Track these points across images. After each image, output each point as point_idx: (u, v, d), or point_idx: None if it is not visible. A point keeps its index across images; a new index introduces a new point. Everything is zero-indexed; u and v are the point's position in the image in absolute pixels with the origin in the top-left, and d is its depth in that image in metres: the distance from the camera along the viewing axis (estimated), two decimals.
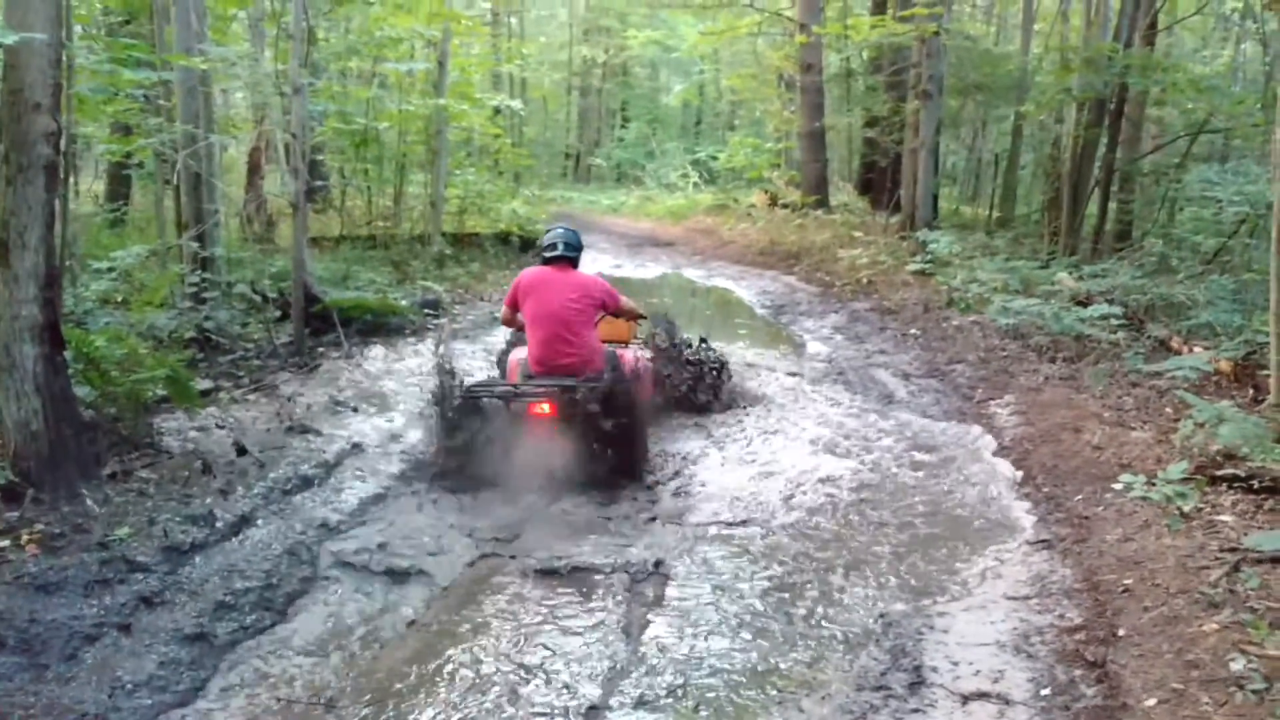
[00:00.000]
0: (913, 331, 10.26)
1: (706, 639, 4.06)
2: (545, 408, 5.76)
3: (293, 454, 6.11)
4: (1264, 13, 14.24)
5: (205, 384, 7.09)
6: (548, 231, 6.63)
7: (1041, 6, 17.52)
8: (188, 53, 7.95)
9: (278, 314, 8.94)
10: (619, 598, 4.43)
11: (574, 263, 6.38)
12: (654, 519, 5.43)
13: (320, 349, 8.51)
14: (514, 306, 6.32)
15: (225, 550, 4.77)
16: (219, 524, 4.99)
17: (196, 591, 4.33)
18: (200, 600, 4.25)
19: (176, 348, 7.39)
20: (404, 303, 10.27)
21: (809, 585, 4.60)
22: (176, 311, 7.96)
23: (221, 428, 6.36)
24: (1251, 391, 6.97)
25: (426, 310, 10.47)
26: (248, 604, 4.27)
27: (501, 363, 7.04)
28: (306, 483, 5.70)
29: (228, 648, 3.94)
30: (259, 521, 5.13)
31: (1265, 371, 6.19)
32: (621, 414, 5.75)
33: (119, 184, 13.47)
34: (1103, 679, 3.60)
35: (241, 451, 5.96)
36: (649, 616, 4.27)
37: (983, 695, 3.61)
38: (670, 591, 4.52)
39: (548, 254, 6.37)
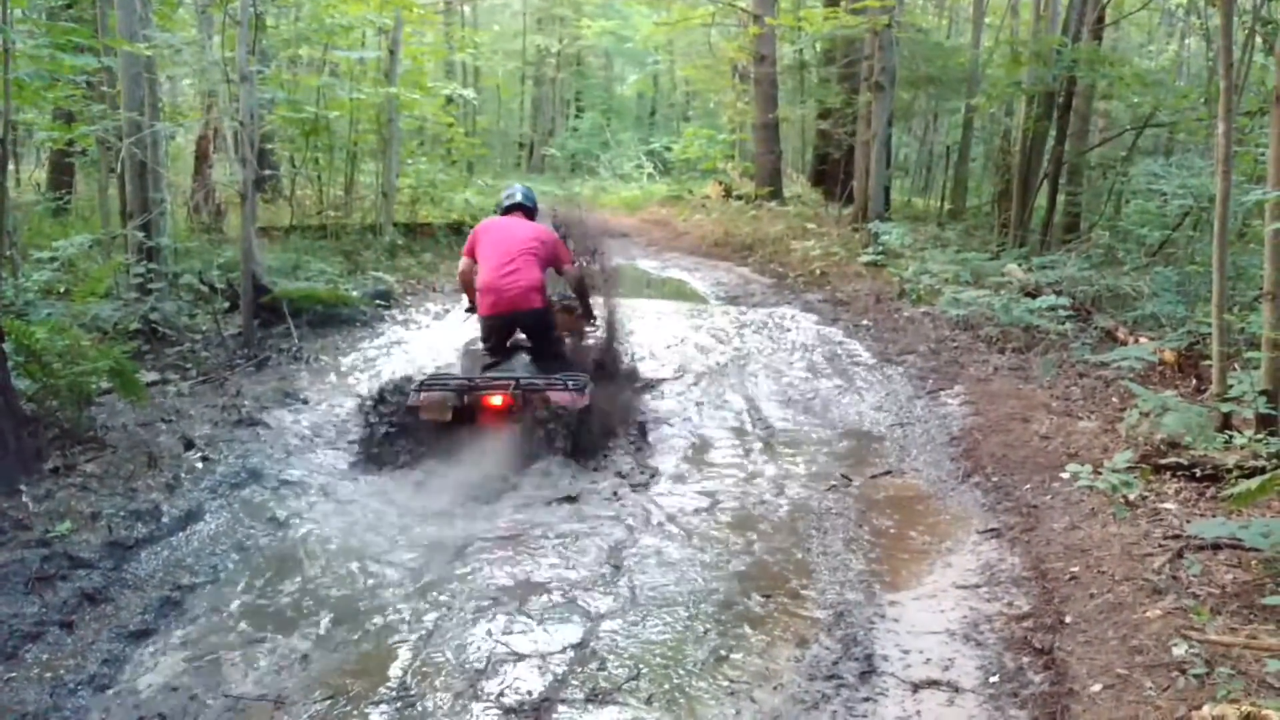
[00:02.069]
0: (865, 322, 10.33)
1: (660, 630, 4.07)
2: (497, 400, 5.80)
3: (241, 447, 6.02)
4: (1207, 8, 14.48)
5: (151, 376, 6.98)
6: (506, 189, 7.10)
7: (992, 1, 17.68)
8: (131, 38, 7.79)
9: (226, 305, 8.81)
10: (568, 591, 4.42)
11: (530, 214, 6.78)
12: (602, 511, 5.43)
13: (270, 340, 8.40)
14: (471, 254, 6.54)
15: (171, 545, 4.70)
16: (165, 519, 4.91)
17: (141, 588, 4.26)
18: (145, 596, 4.18)
19: (121, 339, 7.25)
20: (355, 293, 10.16)
21: (760, 575, 4.62)
22: (121, 302, 7.81)
23: (168, 421, 6.26)
24: (1194, 381, 7.10)
25: (378, 301, 10.36)
26: (194, 600, 4.21)
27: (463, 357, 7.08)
28: (255, 476, 5.62)
29: (174, 644, 3.88)
30: (206, 516, 5.06)
31: (1208, 361, 6.30)
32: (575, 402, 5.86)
33: (62, 172, 13.20)
34: (1050, 666, 3.65)
35: (189, 445, 5.87)
36: (595, 606, 4.26)
37: (933, 683, 3.65)
38: (621, 578, 4.51)
39: (506, 203, 6.84)
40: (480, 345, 6.74)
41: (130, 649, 3.81)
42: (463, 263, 6.68)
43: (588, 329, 7.40)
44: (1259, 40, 9.74)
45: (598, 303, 7.35)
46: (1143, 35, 20.67)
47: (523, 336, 6.67)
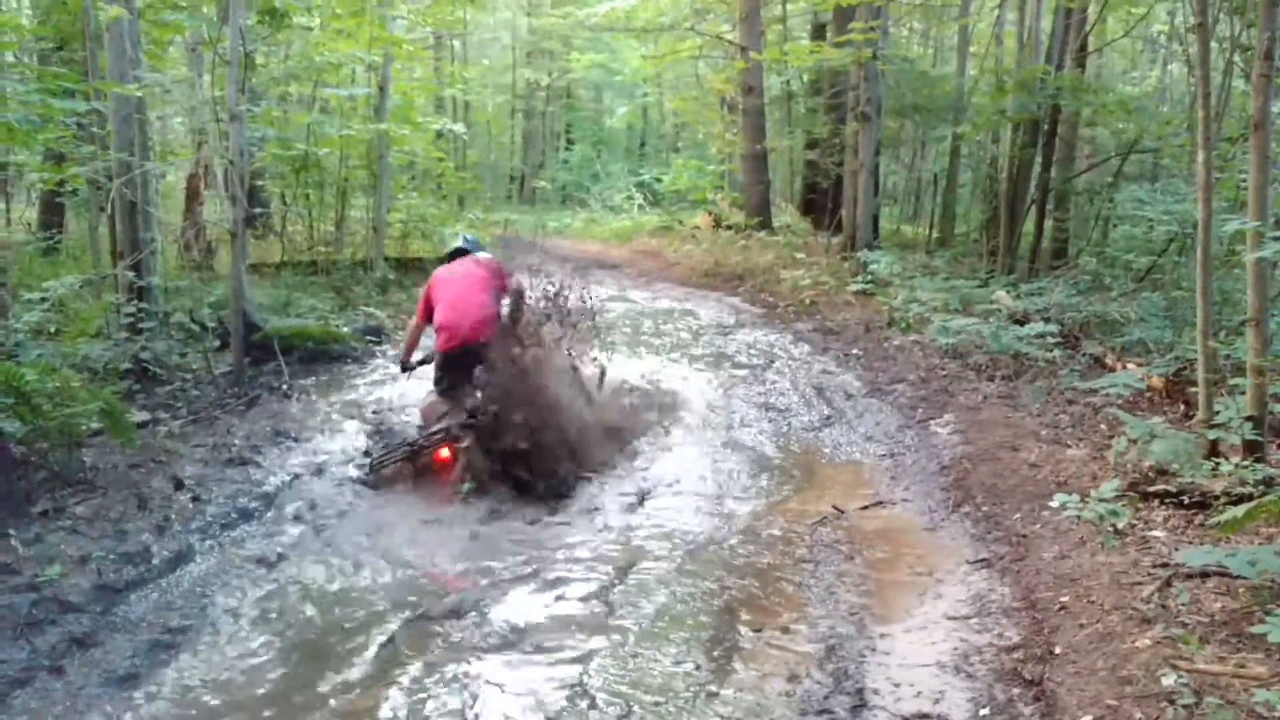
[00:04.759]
0: (855, 352, 10.36)
1: (651, 667, 4.06)
2: (445, 452, 6.09)
3: (232, 486, 6.02)
4: (1188, 34, 14.64)
5: (142, 416, 6.96)
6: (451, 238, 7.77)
7: (976, 30, 17.85)
8: (121, 79, 7.83)
9: (217, 343, 8.81)
10: (558, 629, 4.41)
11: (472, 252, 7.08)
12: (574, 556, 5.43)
13: (261, 378, 8.39)
14: (428, 303, 6.78)
15: (161, 588, 4.69)
16: (155, 561, 4.90)
17: (131, 631, 4.24)
18: (134, 640, 4.17)
19: (112, 379, 7.24)
20: (346, 330, 10.17)
21: (751, 609, 4.62)
22: (112, 342, 7.80)
23: (158, 461, 6.25)
24: (1182, 407, 7.13)
25: (369, 337, 10.36)
26: (184, 643, 4.19)
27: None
28: (246, 516, 5.62)
29: (163, 689, 3.87)
30: (197, 558, 5.05)
31: (1195, 388, 6.33)
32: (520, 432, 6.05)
33: (52, 212, 13.20)
34: (1040, 697, 3.66)
35: (179, 485, 5.86)
36: (587, 644, 4.25)
37: (924, 716, 3.65)
38: (612, 615, 4.51)
39: (450, 250, 7.26)
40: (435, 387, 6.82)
41: (119, 694, 3.80)
42: (413, 323, 7.05)
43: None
44: (1238, 67, 9.85)
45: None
46: (1126, 62, 20.88)
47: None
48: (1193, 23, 11.71)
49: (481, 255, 7.08)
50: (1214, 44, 8.30)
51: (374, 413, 7.66)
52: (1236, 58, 9.81)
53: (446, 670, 4.03)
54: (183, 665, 4.04)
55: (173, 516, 5.46)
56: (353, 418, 7.61)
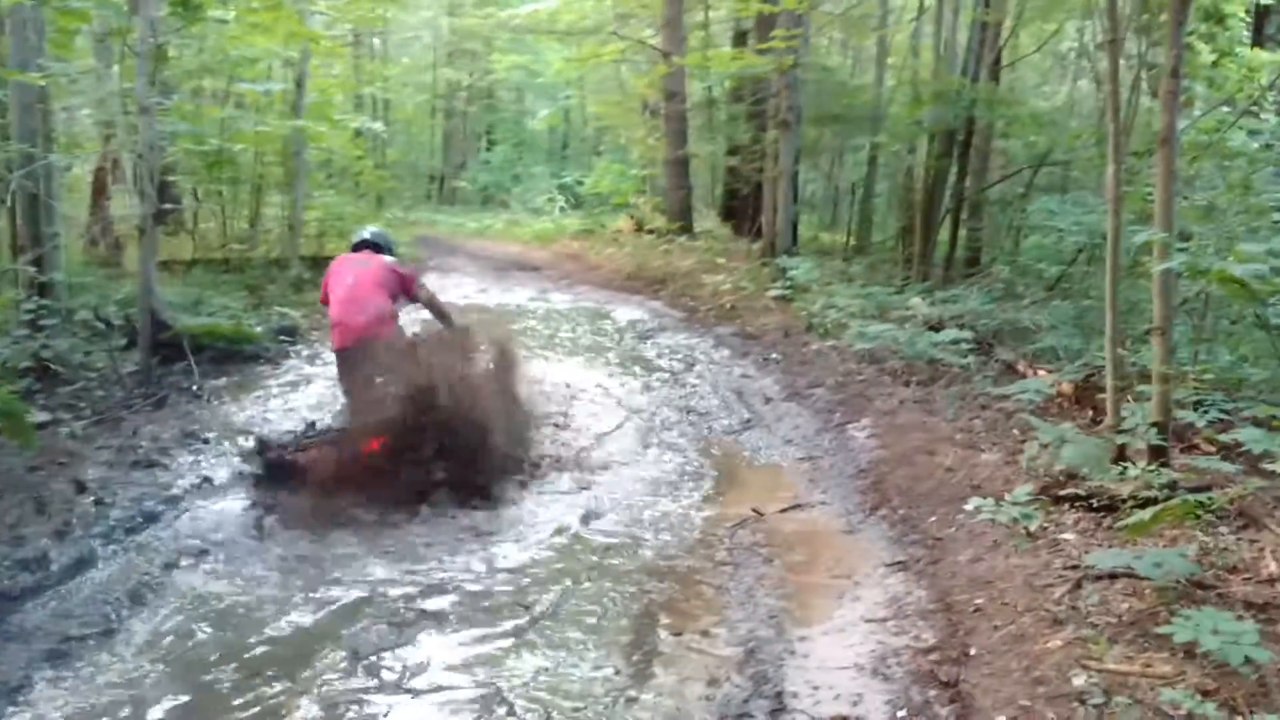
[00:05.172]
0: (774, 356, 10.44)
1: (569, 672, 4.03)
2: (371, 446, 5.93)
3: (137, 490, 5.82)
4: (1097, 51, 15.08)
5: (43, 416, 6.71)
6: (357, 230, 7.57)
7: (895, 42, 18.15)
8: (24, 68, 7.55)
9: (123, 342, 8.53)
10: (473, 634, 4.35)
11: (377, 250, 6.97)
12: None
13: (169, 378, 8.15)
14: (325, 289, 6.79)
15: (60, 595, 4.51)
16: (54, 567, 4.72)
17: (26, 641, 4.07)
18: (29, 650, 4.00)
19: (10, 378, 6.96)
20: (259, 329, 9.94)
21: (670, 612, 4.61)
22: (10, 339, 7.52)
23: (59, 463, 6.02)
24: (1091, 413, 7.31)
25: (283, 337, 10.15)
26: (82, 652, 4.04)
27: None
28: (151, 520, 5.43)
29: (57, 699, 3.71)
30: (99, 563, 4.87)
31: (1104, 395, 6.50)
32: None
33: None
34: (955, 698, 3.70)
35: (81, 488, 5.65)
36: (504, 649, 4.20)
37: (843, 719, 3.67)
38: (529, 620, 4.46)
39: (354, 242, 7.22)
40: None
41: (9, 706, 3.63)
42: (321, 296, 7.02)
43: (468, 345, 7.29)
44: (1144, 84, 10.17)
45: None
46: (1038, 77, 21.42)
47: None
48: (1100, 40, 12.04)
49: (387, 259, 6.89)
50: (1121, 61, 8.56)
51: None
52: (1143, 74, 10.13)
53: (355, 678, 3.94)
54: (80, 676, 3.88)
55: (74, 521, 5.26)
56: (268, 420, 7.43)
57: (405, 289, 6.79)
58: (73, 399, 7.30)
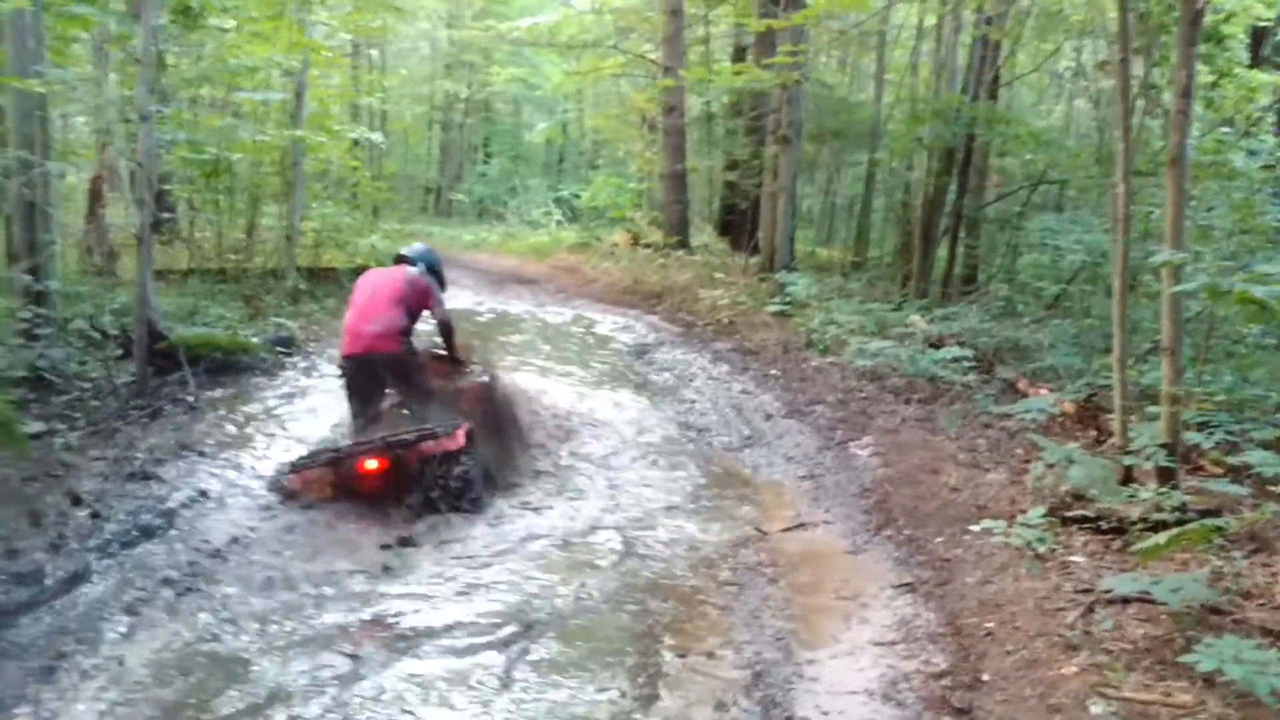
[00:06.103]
0: (773, 372, 10.39)
1: (572, 692, 3.95)
2: (373, 463, 5.86)
3: (133, 502, 5.73)
4: (1095, 71, 15.12)
5: (37, 427, 6.61)
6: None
7: (893, 59, 18.18)
8: (22, 74, 7.48)
9: (119, 351, 8.43)
10: (476, 655, 4.28)
11: (412, 264, 6.90)
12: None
13: (165, 389, 8.05)
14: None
15: (55, 610, 4.42)
16: (48, 581, 4.63)
17: (20, 657, 3.99)
18: (24, 666, 3.91)
19: (4, 388, 6.87)
20: (256, 340, 9.84)
21: (675, 633, 4.54)
22: (4, 348, 7.43)
23: (54, 475, 5.93)
24: (1094, 432, 7.28)
25: (279, 348, 10.06)
26: (79, 669, 3.95)
27: None
28: (148, 533, 5.34)
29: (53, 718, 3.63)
30: (94, 578, 4.78)
31: (1107, 414, 6.46)
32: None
33: None
34: None
35: (76, 500, 5.56)
36: (507, 671, 4.13)
37: None
38: (533, 641, 4.39)
39: (394, 255, 7.21)
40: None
41: None
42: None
43: (466, 371, 7.27)
44: (1143, 106, 10.16)
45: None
46: (1034, 96, 21.46)
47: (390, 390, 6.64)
48: (1099, 60, 12.04)
49: (411, 270, 6.79)
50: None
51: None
52: (1142, 98, 10.12)
53: (359, 699, 3.86)
54: (77, 693, 3.80)
55: (69, 534, 5.17)
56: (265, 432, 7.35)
57: (423, 303, 6.68)
58: (67, 409, 7.20)
